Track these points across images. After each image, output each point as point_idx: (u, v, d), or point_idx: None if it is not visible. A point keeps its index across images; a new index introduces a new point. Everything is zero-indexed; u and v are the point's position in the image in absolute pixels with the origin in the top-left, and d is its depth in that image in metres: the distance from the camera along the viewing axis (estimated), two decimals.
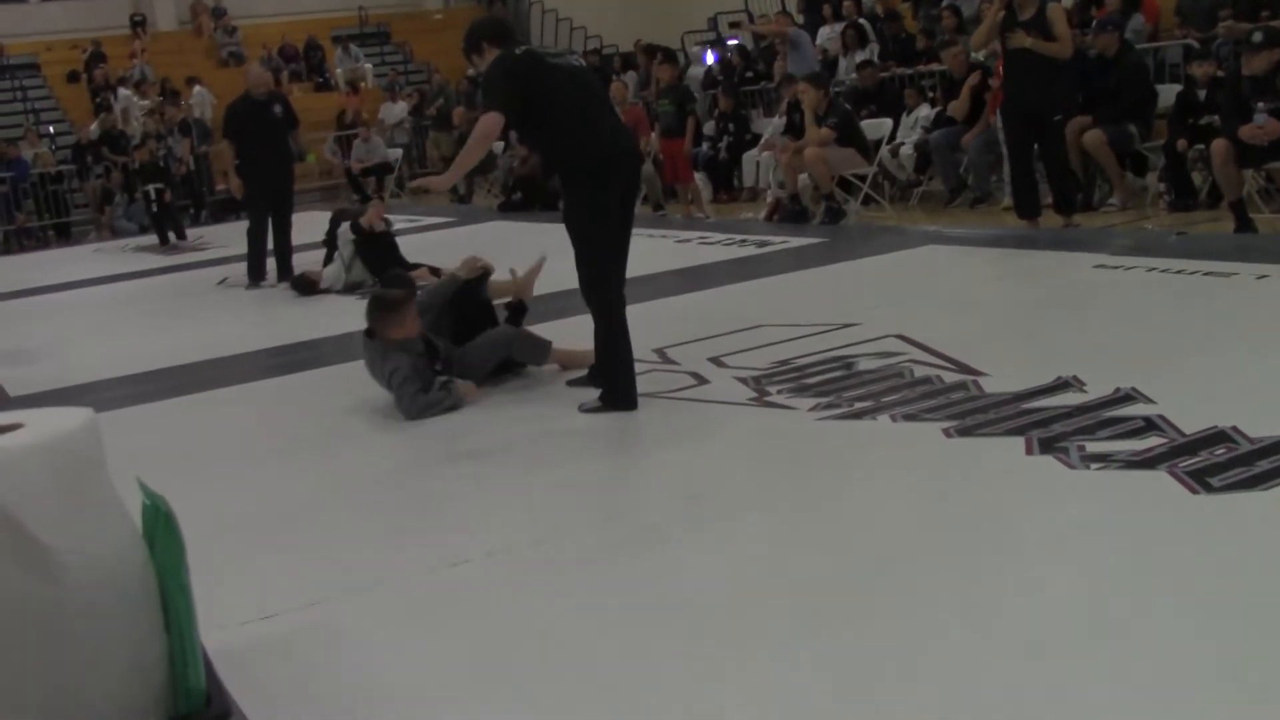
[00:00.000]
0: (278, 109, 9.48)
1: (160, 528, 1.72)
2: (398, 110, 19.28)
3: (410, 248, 10.80)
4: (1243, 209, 7.30)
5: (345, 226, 8.85)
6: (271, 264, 9.70)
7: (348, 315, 7.80)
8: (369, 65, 22.52)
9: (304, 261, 9.56)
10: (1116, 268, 6.39)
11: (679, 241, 9.61)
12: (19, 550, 1.56)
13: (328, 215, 9.88)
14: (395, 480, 4.25)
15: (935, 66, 11.30)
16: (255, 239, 9.65)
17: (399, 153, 18.32)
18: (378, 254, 8.64)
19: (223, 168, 10.63)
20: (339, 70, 22.08)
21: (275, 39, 22.38)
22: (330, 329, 7.30)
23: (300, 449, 4.77)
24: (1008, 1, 7.78)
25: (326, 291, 8.83)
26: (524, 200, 13.53)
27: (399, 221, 13.78)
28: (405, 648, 2.85)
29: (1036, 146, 8.05)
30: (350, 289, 8.69)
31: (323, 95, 21.59)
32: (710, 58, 15.87)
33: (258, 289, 9.54)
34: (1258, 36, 7.21)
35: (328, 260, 9.12)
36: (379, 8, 24.39)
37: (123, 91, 18.83)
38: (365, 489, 4.16)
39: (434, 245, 11.39)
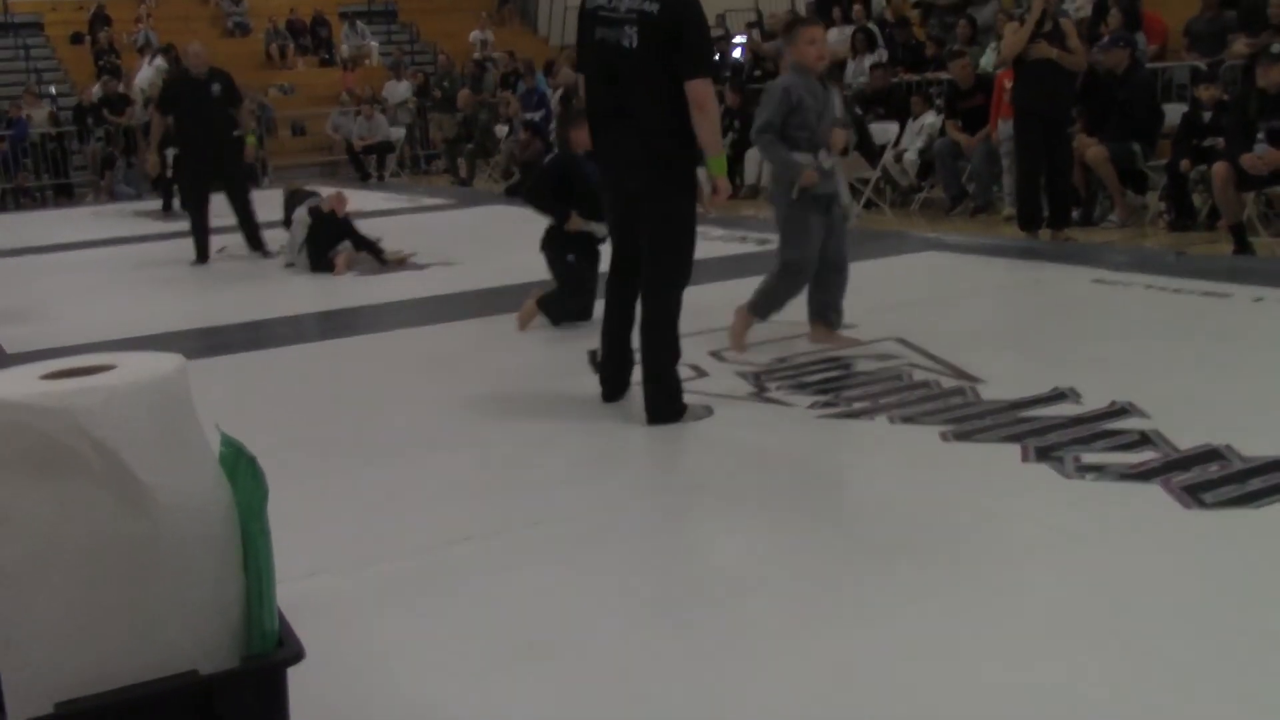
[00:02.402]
0: (216, 87, 9.47)
1: (243, 471, 1.76)
2: (402, 89, 19.27)
3: (406, 229, 10.84)
4: (1242, 231, 7.37)
5: (302, 210, 8.84)
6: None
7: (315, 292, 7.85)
8: (375, 43, 22.50)
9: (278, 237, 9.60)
10: (1115, 283, 6.44)
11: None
12: (121, 486, 1.60)
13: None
14: (390, 456, 4.27)
15: (943, 75, 11.34)
16: (192, 217, 9.68)
17: (402, 132, 18.31)
18: (329, 240, 8.63)
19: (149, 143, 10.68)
20: (344, 46, 22.04)
21: (282, 12, 22.34)
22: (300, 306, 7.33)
23: (283, 427, 4.79)
24: (1041, 13, 7.87)
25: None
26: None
27: (399, 201, 13.85)
28: (407, 622, 2.88)
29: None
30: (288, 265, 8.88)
31: (327, 70, 21.56)
32: (739, 53, 15.85)
33: (204, 265, 9.53)
34: (1276, 47, 7.26)
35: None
36: None
37: (158, 62, 18.58)
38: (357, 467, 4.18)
39: (432, 227, 11.41)
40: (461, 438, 4.40)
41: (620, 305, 4.58)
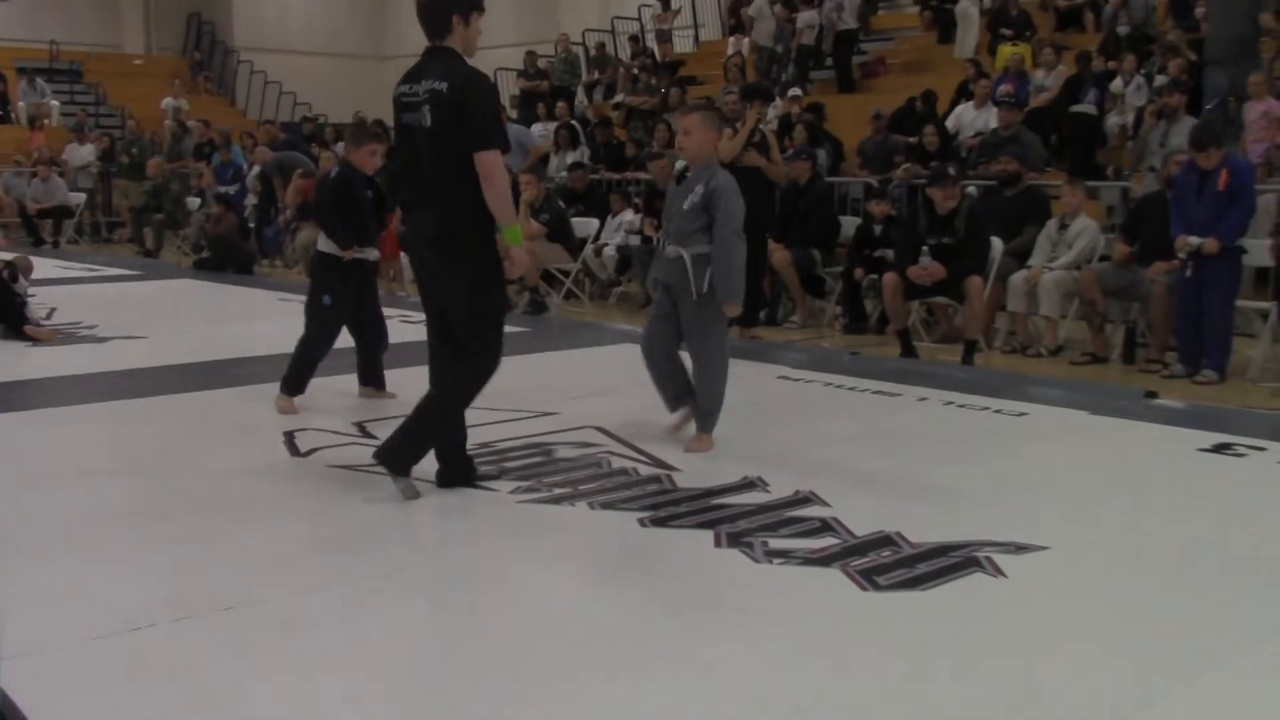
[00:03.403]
0: None
1: None
2: (85, 153, 18.27)
3: (87, 299, 10.24)
4: (908, 337, 8.01)
5: None
6: None
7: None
8: (56, 102, 21.30)
9: None
10: (798, 380, 6.86)
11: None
12: None
13: None
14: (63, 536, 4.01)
15: (642, 175, 11.82)
16: None
17: (82, 197, 17.31)
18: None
19: None
20: (22, 104, 20.74)
21: None
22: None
23: None
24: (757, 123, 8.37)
25: None
26: (215, 261, 13.06)
27: (77, 270, 13.07)
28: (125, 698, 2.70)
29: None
30: None
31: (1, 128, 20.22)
32: None
33: None
34: (952, 170, 7.99)
35: None
36: (73, 45, 23.17)
37: None
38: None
39: (116, 298, 10.83)
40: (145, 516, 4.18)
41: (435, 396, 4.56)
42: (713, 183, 5.08)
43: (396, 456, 4.39)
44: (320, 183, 7.36)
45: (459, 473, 4.59)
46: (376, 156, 6.25)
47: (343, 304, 6.09)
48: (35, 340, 7.92)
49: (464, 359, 4.43)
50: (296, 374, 6.01)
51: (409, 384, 6.59)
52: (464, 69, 4.32)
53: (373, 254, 6.28)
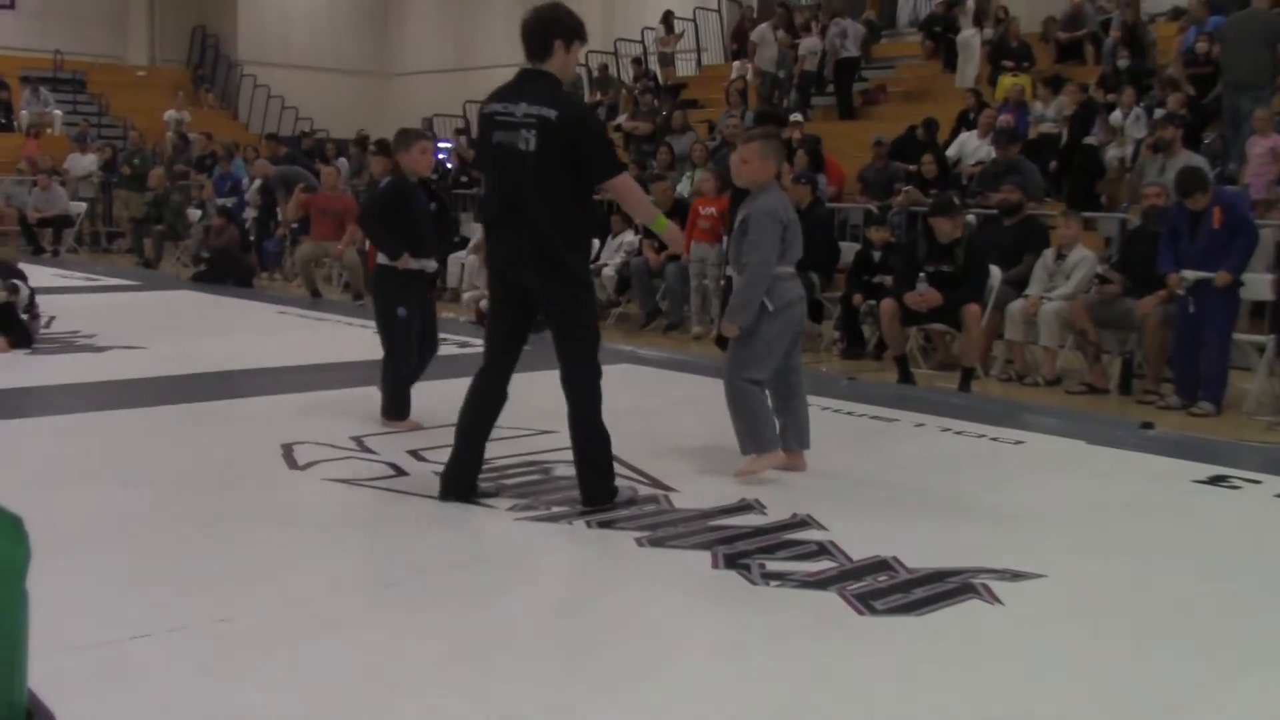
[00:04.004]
0: None
1: (6, 535, 1.61)
2: (86, 162, 18.31)
3: (85, 308, 10.25)
4: (905, 363, 8.03)
5: None
6: None
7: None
8: (59, 111, 21.35)
9: None
10: None
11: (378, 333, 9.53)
12: None
13: None
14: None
15: None
16: None
17: (83, 206, 17.34)
18: None
19: None
20: (25, 112, 20.80)
21: None
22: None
23: None
24: None
25: None
26: (215, 272, 13.07)
27: (76, 279, 13.08)
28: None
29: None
30: None
31: (2, 136, 20.27)
32: (449, 164, 15.98)
33: None
34: (957, 200, 8.03)
35: None
36: (77, 54, 23.27)
37: None
38: None
39: (115, 308, 10.84)
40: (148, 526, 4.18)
41: (484, 403, 4.61)
42: (751, 206, 5.15)
43: (596, 494, 4.54)
44: (371, 192, 7.34)
45: (463, 484, 4.59)
46: (426, 155, 6.09)
47: (414, 314, 5.94)
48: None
49: (575, 375, 4.54)
50: (394, 397, 5.88)
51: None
52: (571, 99, 4.50)
53: (431, 265, 6.08)
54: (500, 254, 4.53)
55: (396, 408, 5.88)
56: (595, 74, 19.14)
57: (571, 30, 4.39)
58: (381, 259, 5.95)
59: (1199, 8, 12.77)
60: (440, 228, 5.90)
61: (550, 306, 4.50)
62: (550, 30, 4.38)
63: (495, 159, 4.44)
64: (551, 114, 4.28)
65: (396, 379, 5.89)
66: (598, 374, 4.58)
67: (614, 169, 4.47)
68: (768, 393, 5.17)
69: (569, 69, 4.50)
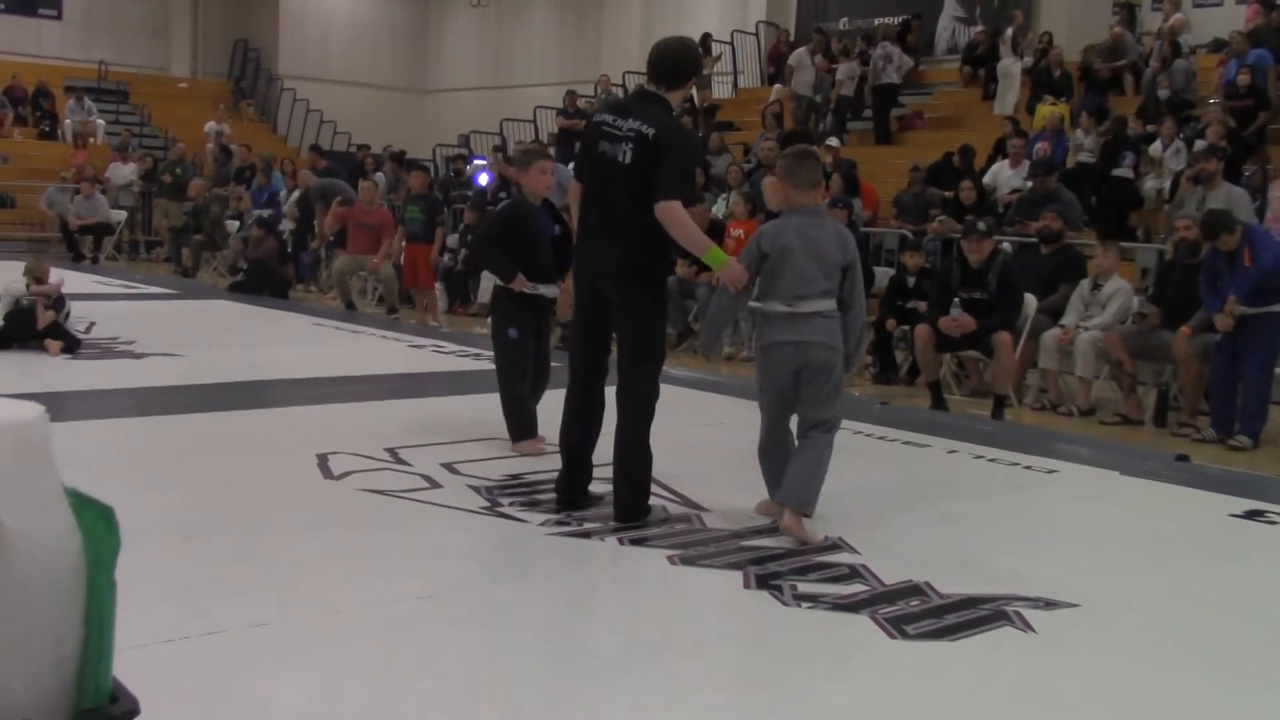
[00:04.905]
0: None
1: (94, 521, 1.67)
2: (127, 171, 18.53)
3: (123, 315, 10.36)
4: (938, 389, 8.02)
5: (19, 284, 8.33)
6: None
7: None
8: (101, 121, 21.63)
9: None
10: None
11: (413, 346, 9.63)
12: None
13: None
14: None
15: None
16: None
17: (123, 215, 17.55)
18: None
19: None
20: (69, 121, 21.08)
21: (3, 77, 21.23)
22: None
23: None
24: None
25: None
26: (252, 283, 13.19)
27: (115, 286, 13.23)
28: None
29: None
30: None
31: (48, 144, 20.57)
32: (485, 178, 16.09)
33: None
34: (982, 224, 8.02)
35: None
36: (121, 66, 23.58)
37: None
38: None
39: (152, 315, 10.96)
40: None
41: (584, 418, 4.72)
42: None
43: (630, 512, 4.58)
44: (491, 213, 7.27)
45: (574, 495, 4.76)
46: (546, 175, 5.82)
47: (527, 336, 5.78)
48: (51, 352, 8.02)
49: (633, 391, 4.57)
50: (516, 418, 5.74)
51: (447, 412, 6.67)
52: (674, 122, 4.54)
53: (551, 291, 5.82)
54: (589, 264, 4.61)
55: (515, 429, 5.75)
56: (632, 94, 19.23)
57: (698, 70, 4.62)
58: (496, 281, 5.83)
59: (1240, 40, 12.74)
60: (565, 251, 5.60)
61: (623, 319, 4.55)
62: (690, 68, 4.64)
63: (595, 168, 4.56)
64: (650, 131, 4.41)
65: (510, 399, 5.77)
66: (655, 394, 4.62)
67: (674, 191, 4.40)
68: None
69: (681, 99, 4.70)
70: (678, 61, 4.59)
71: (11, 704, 1.58)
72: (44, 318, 8.07)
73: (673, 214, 4.38)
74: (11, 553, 1.57)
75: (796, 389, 4.54)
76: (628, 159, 4.41)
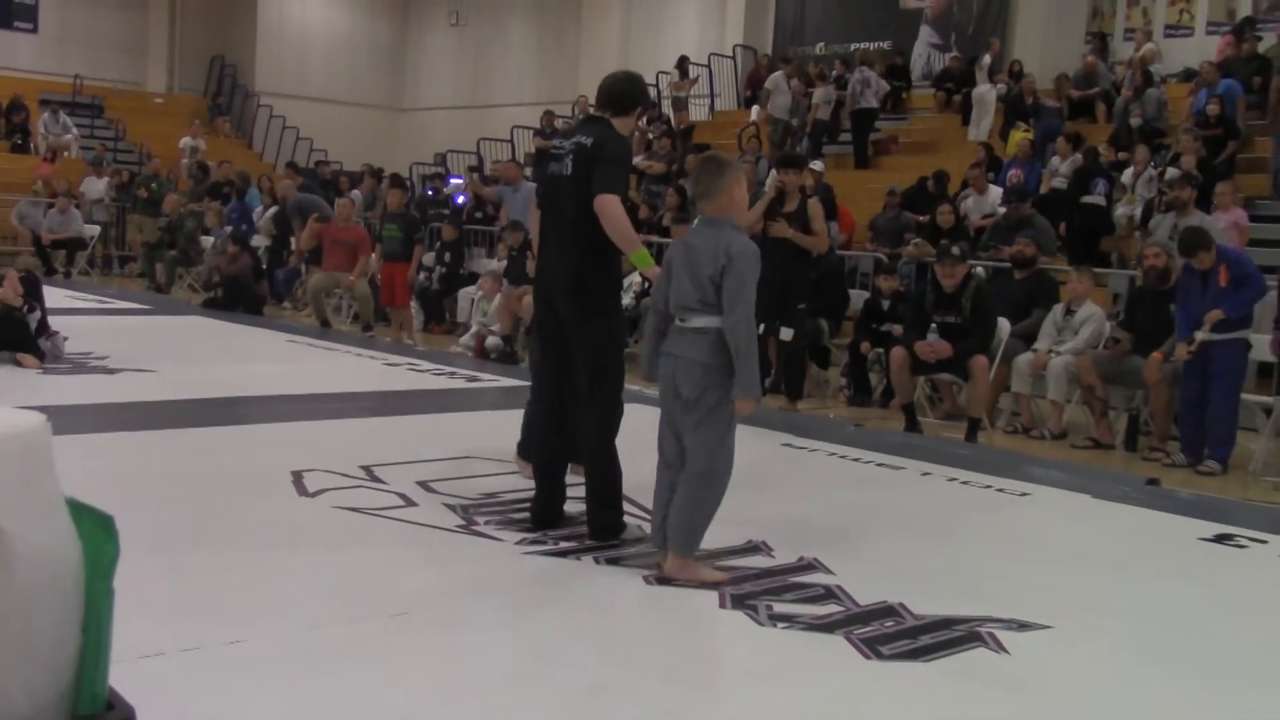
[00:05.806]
0: None
1: (93, 529, 1.67)
2: (100, 186, 18.44)
3: (96, 330, 10.30)
4: (912, 412, 8.06)
5: None
6: None
7: None
8: (74, 132, 21.53)
9: None
10: (801, 448, 6.89)
11: (388, 364, 9.61)
12: None
13: None
14: None
15: (653, 238, 11.92)
16: None
17: (96, 229, 17.45)
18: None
19: None
20: (42, 134, 20.97)
21: None
22: None
23: None
24: (779, 191, 8.37)
25: None
26: (226, 299, 13.13)
27: (87, 301, 13.15)
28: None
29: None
30: None
31: (20, 157, 20.44)
32: (462, 199, 16.12)
33: None
34: (956, 250, 8.08)
35: None
36: (97, 80, 23.49)
37: None
38: None
39: (126, 331, 10.89)
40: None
41: (542, 426, 4.84)
42: None
43: (604, 528, 4.61)
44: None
45: (548, 517, 4.78)
46: None
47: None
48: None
49: (594, 407, 4.63)
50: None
51: (423, 430, 6.65)
52: (612, 133, 4.67)
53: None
54: (545, 281, 4.75)
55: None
56: None
57: (646, 102, 4.77)
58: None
59: (1210, 70, 12.92)
60: None
61: (578, 339, 4.61)
62: (636, 99, 4.88)
63: (547, 190, 4.79)
64: (589, 141, 4.58)
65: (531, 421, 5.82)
66: (617, 410, 4.68)
67: (610, 187, 4.49)
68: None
69: (628, 129, 4.87)
70: (624, 95, 4.80)
71: (11, 710, 1.58)
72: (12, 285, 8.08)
73: (609, 209, 4.48)
74: (13, 559, 1.58)
75: (677, 407, 4.28)
76: (569, 170, 4.59)
